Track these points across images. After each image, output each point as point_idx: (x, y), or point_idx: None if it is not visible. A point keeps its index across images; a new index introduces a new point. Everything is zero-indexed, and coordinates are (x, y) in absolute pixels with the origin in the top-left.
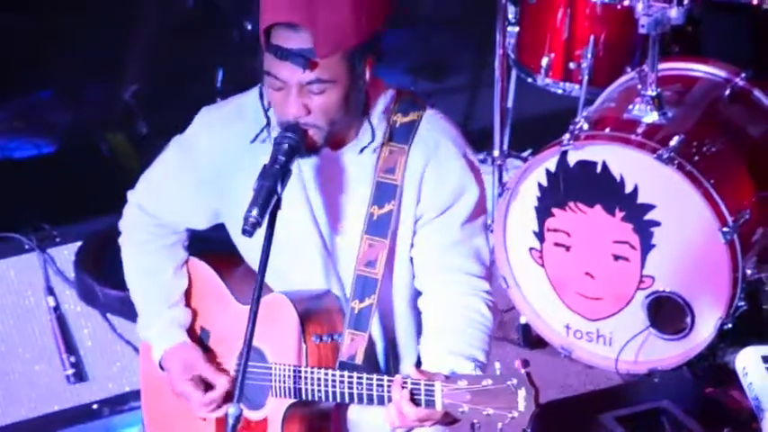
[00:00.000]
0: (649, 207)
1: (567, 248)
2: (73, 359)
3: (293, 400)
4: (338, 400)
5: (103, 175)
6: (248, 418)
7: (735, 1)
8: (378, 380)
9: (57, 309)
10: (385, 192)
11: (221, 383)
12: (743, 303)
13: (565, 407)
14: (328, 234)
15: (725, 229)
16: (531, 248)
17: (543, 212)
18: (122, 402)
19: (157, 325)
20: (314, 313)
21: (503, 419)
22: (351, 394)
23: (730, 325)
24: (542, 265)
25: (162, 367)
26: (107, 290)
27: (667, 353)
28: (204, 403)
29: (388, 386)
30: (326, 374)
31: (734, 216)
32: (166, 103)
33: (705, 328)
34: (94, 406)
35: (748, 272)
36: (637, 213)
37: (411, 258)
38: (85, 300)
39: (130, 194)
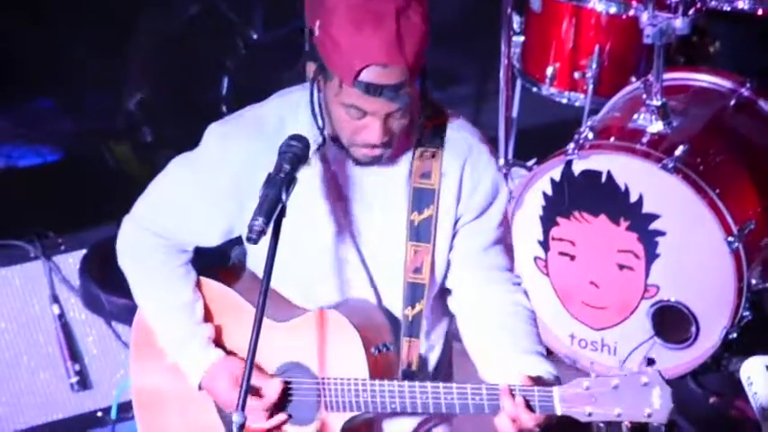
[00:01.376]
0: (654, 216)
1: (572, 258)
2: (77, 367)
3: (354, 414)
4: (419, 410)
5: (108, 184)
6: None
7: (740, 11)
8: (473, 389)
9: (61, 317)
10: (423, 197)
11: (274, 387)
12: (748, 313)
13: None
14: (363, 242)
15: (730, 238)
16: (535, 257)
17: (548, 222)
18: (126, 410)
19: (193, 346)
20: (366, 325)
21: (636, 418)
22: (437, 404)
23: (735, 335)
24: (547, 275)
25: (200, 387)
26: (112, 298)
27: (672, 362)
28: (263, 408)
29: (489, 395)
30: (411, 386)
31: (739, 225)
32: (171, 111)
33: (710, 337)
34: (99, 414)
35: (753, 281)
36: (641, 223)
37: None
38: (90, 308)
39: (129, 218)
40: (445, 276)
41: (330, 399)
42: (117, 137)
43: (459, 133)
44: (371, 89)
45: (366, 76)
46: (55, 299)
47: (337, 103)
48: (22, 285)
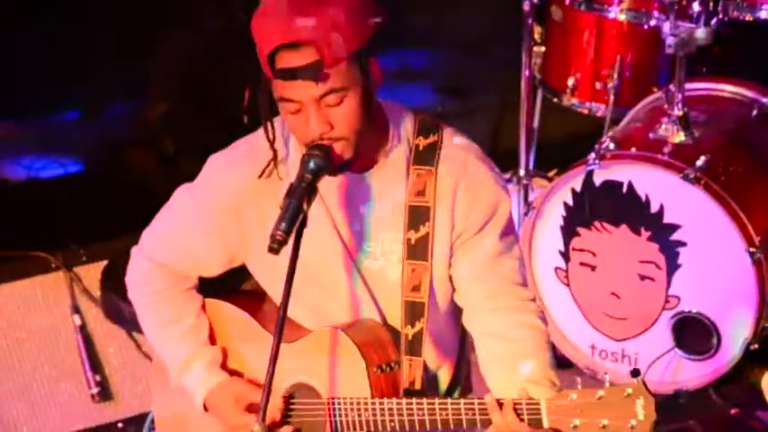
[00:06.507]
0: (675, 227)
1: (593, 268)
2: (98, 378)
3: None
4: (416, 428)
5: (129, 195)
6: None
7: (763, 20)
8: (466, 403)
9: (82, 327)
10: (418, 215)
11: (276, 405)
12: None
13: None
14: (359, 260)
15: (752, 249)
16: (556, 268)
17: (569, 232)
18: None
19: (196, 368)
20: (370, 344)
21: (621, 430)
22: (433, 420)
23: (757, 345)
24: (568, 285)
25: (206, 408)
26: (133, 308)
27: (693, 373)
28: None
29: (481, 408)
30: (408, 404)
31: (761, 236)
32: (193, 123)
33: (731, 348)
34: (119, 425)
35: None
36: (663, 233)
37: (449, 276)
38: (111, 318)
39: (136, 250)
40: (453, 295)
41: (336, 419)
42: (139, 148)
43: (454, 150)
44: (286, 74)
45: (280, 62)
46: (76, 309)
47: (279, 106)
48: (44, 296)
